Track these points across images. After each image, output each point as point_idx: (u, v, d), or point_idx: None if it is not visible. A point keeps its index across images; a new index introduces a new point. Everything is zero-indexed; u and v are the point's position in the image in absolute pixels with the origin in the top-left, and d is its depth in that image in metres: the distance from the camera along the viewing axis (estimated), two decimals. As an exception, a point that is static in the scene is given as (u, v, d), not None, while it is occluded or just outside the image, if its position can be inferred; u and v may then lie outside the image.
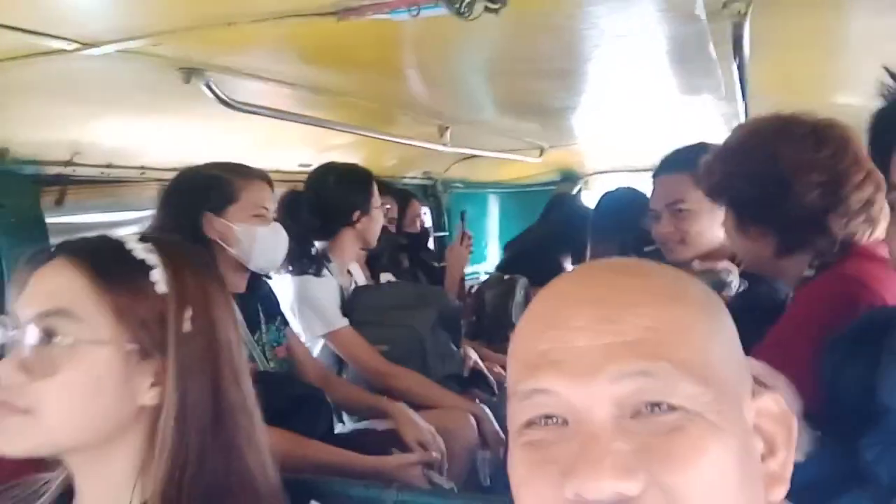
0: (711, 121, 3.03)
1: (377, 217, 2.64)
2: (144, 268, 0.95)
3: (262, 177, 1.97)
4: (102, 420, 0.92)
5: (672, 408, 0.60)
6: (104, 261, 0.94)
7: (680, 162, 1.97)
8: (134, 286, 0.94)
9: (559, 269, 3.60)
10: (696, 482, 0.58)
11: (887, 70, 1.04)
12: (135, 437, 0.95)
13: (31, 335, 0.90)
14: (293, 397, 1.81)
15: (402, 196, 3.48)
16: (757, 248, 1.55)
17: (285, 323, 2.19)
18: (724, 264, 1.74)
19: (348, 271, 2.65)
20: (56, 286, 0.92)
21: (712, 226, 1.91)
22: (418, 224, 3.67)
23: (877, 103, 1.08)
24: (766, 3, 1.26)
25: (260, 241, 1.91)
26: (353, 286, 2.61)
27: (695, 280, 0.72)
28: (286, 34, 1.35)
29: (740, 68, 1.63)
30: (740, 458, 0.61)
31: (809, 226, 1.45)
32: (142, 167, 2.19)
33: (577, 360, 0.62)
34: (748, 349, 1.40)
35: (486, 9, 1.11)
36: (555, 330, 0.64)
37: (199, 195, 1.89)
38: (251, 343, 1.96)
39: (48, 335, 0.90)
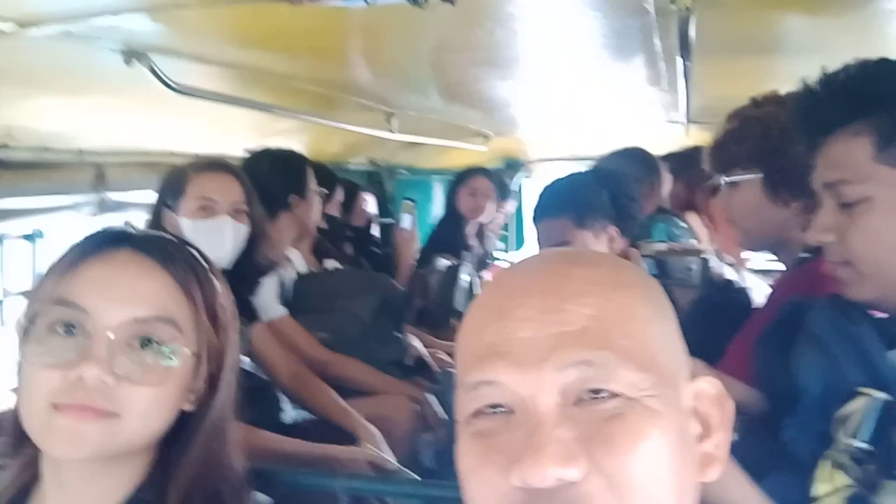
0: (652, 112, 3.10)
1: (314, 202, 2.59)
2: (212, 278, 0.96)
3: (213, 167, 1.89)
4: (166, 425, 0.91)
5: (613, 394, 0.62)
6: (195, 271, 0.94)
7: (557, 205, 1.96)
8: (215, 298, 0.95)
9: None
10: (636, 466, 0.60)
11: None
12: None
13: (131, 339, 0.86)
14: (243, 388, 1.77)
15: (349, 188, 3.44)
16: (787, 220, 1.50)
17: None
18: (703, 245, 1.75)
19: (287, 258, 2.61)
20: (153, 291, 0.89)
21: None
22: (364, 217, 3.64)
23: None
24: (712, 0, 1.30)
25: (199, 237, 1.75)
26: (292, 273, 2.57)
27: (637, 268, 0.74)
28: (236, 18, 1.33)
29: (685, 61, 1.66)
30: (677, 442, 0.63)
31: None
32: (79, 150, 2.12)
33: (523, 351, 0.63)
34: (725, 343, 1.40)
35: (442, -2, 1.11)
36: (501, 321, 0.65)
37: (161, 191, 1.89)
38: None
39: (146, 340, 0.87)
